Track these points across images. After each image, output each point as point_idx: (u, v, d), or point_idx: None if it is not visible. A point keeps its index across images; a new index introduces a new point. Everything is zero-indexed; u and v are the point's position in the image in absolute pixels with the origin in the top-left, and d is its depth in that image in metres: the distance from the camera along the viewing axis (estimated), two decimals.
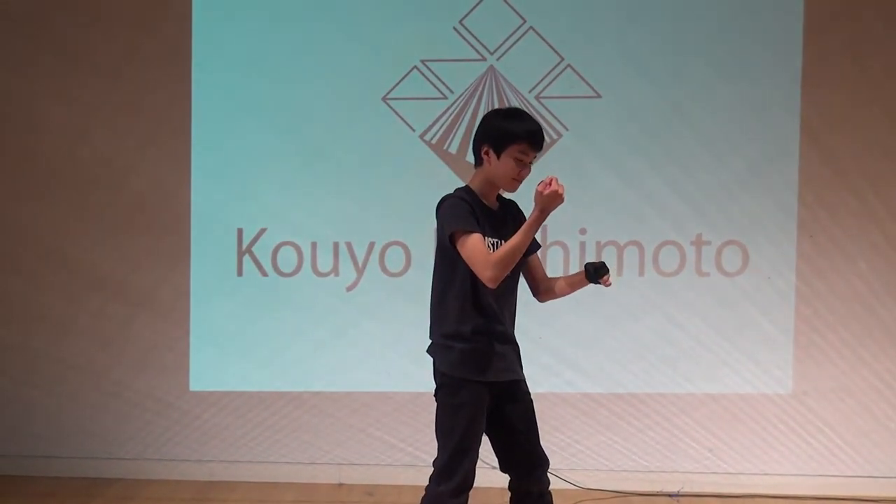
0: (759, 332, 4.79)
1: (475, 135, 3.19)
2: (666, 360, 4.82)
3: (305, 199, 4.87)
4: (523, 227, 3.01)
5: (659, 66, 4.77)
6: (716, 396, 4.83)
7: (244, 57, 4.87)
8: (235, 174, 4.89)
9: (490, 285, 3.02)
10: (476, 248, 3.02)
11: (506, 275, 3.03)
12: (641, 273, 4.79)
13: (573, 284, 3.28)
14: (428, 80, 4.83)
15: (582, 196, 4.81)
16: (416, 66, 4.83)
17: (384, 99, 4.84)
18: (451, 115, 4.83)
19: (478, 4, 4.80)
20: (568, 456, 4.83)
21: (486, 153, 3.13)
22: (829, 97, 4.71)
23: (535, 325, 4.62)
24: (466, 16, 4.80)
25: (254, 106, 4.87)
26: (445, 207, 3.13)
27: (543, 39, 4.80)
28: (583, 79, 4.79)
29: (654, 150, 4.78)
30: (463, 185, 3.25)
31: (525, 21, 4.80)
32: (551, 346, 4.77)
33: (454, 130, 4.83)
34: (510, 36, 4.80)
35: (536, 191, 2.97)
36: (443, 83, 4.82)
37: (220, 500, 4.71)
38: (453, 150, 4.83)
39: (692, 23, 4.76)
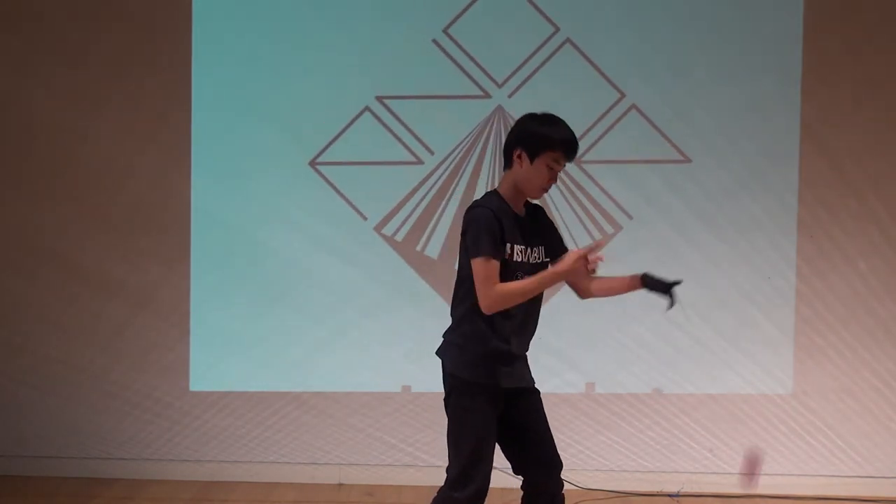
0: (759, 332, 4.79)
1: (508, 137, 3.17)
2: (666, 360, 4.82)
3: (305, 199, 4.87)
4: (542, 276, 3.03)
5: (659, 65, 4.77)
6: (716, 397, 4.83)
7: (244, 57, 4.87)
8: (235, 174, 4.89)
9: (483, 311, 3.02)
10: (488, 274, 3.00)
11: (501, 309, 3.03)
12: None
13: (614, 290, 3.28)
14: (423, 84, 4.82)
15: (582, 196, 4.81)
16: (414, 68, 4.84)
17: (379, 98, 4.83)
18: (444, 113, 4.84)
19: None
20: (568, 456, 4.76)
21: (519, 156, 3.10)
22: (829, 97, 4.72)
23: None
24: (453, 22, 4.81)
25: (254, 105, 4.86)
26: (476, 221, 3.07)
27: (538, 10, 4.78)
28: (586, 58, 4.77)
29: (653, 150, 4.78)
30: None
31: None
32: (551, 346, 4.75)
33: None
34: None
35: (582, 255, 2.97)
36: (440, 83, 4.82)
37: (219, 501, 4.71)
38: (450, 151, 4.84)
39: (692, 23, 4.77)
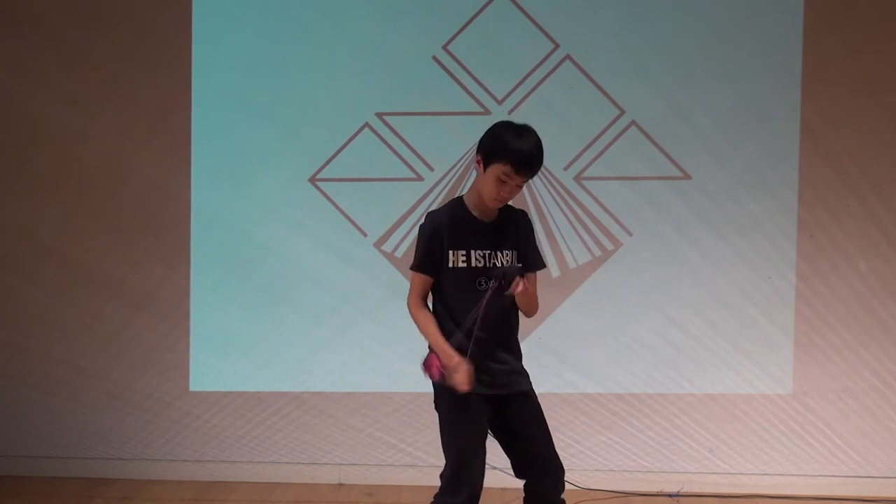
0: (759, 332, 4.79)
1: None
2: (666, 360, 4.82)
3: (305, 199, 4.87)
4: (439, 343, 3.07)
5: (659, 66, 4.76)
6: (716, 396, 4.83)
7: (244, 57, 4.87)
8: (235, 174, 4.89)
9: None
10: (415, 286, 3.17)
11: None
12: (641, 273, 4.79)
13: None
14: (420, 89, 4.82)
15: (582, 195, 4.81)
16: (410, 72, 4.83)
17: (378, 115, 4.83)
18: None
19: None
20: (568, 456, 4.79)
21: (478, 163, 3.07)
22: (829, 97, 4.71)
23: (535, 325, 4.63)
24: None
25: (254, 106, 4.86)
26: (419, 234, 3.19)
27: (538, 27, 4.78)
28: (585, 74, 4.79)
29: (653, 151, 4.78)
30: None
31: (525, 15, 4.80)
32: (551, 346, 4.76)
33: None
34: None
35: (455, 381, 3.01)
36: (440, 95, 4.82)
37: (220, 501, 4.71)
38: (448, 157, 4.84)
39: (692, 23, 4.76)
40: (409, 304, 3.19)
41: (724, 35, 4.74)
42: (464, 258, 3.06)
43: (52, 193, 4.93)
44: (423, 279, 3.14)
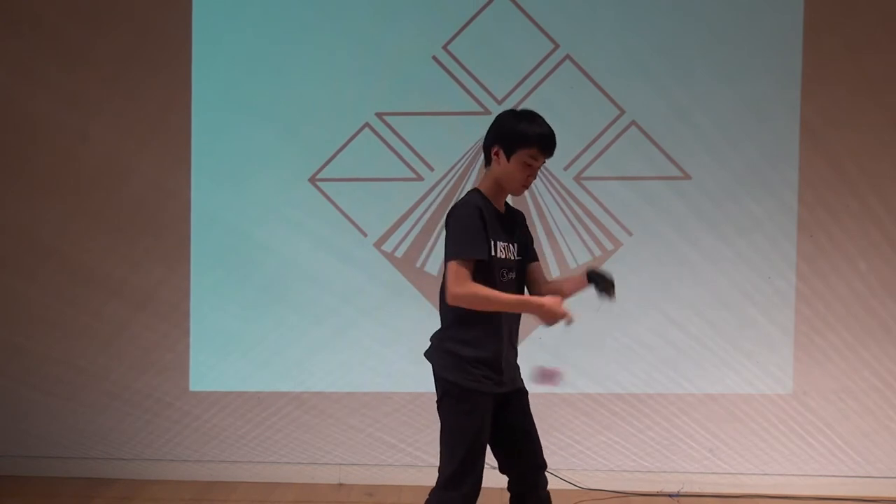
0: (759, 332, 4.79)
1: (486, 135, 3.16)
2: (666, 360, 4.82)
3: (305, 199, 4.87)
4: (522, 300, 3.08)
5: (659, 66, 4.77)
6: (716, 396, 4.83)
7: (244, 57, 4.87)
8: (235, 174, 4.89)
9: (448, 301, 3.00)
10: (461, 273, 2.98)
11: (463, 307, 3.02)
12: (641, 273, 4.79)
13: (575, 289, 3.23)
14: (420, 89, 4.82)
15: (582, 195, 4.82)
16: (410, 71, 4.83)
17: (379, 115, 4.83)
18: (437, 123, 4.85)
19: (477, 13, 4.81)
20: (568, 456, 4.83)
21: (497, 154, 3.10)
22: (829, 97, 4.71)
23: (535, 325, 4.62)
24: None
25: (254, 106, 4.86)
26: (460, 220, 3.07)
27: (538, 27, 4.78)
28: (585, 74, 4.79)
29: (653, 151, 4.78)
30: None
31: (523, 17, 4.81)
32: (551, 346, 4.76)
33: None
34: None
35: (562, 312, 2.99)
36: (438, 93, 4.82)
37: (220, 501, 4.71)
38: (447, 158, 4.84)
39: (692, 23, 4.76)
40: (454, 294, 2.97)
41: (724, 35, 4.75)
42: (496, 247, 3.08)
43: (52, 193, 4.93)
44: (469, 264, 2.98)
